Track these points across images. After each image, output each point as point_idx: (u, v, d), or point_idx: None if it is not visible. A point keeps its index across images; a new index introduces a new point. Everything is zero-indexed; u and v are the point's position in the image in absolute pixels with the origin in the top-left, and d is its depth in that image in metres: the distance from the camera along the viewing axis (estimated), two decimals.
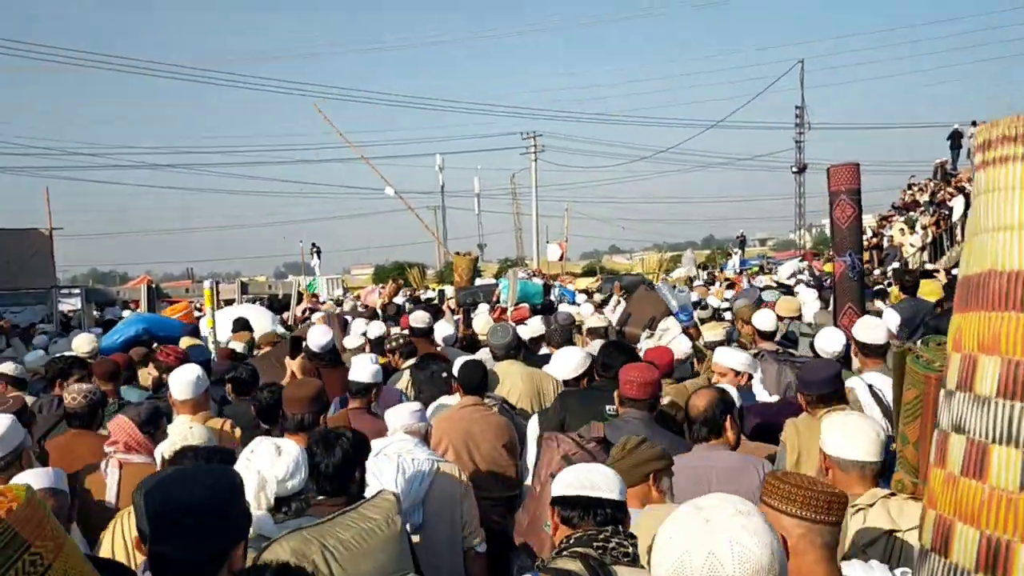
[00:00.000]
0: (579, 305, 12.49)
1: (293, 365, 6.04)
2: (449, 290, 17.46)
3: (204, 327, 10.23)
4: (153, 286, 16.47)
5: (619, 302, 12.18)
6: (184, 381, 4.75)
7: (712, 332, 7.39)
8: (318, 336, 6.26)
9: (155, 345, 7.86)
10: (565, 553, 2.41)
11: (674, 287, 12.89)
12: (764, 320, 6.89)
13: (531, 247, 45.85)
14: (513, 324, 7.06)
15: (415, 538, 3.63)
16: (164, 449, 3.45)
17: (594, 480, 2.54)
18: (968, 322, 1.35)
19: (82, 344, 8.13)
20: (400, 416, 3.96)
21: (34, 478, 3.04)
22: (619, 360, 4.75)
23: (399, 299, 15.96)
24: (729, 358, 5.34)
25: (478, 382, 4.89)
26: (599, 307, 12.25)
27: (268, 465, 2.86)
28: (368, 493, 3.40)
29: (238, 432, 4.68)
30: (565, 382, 5.22)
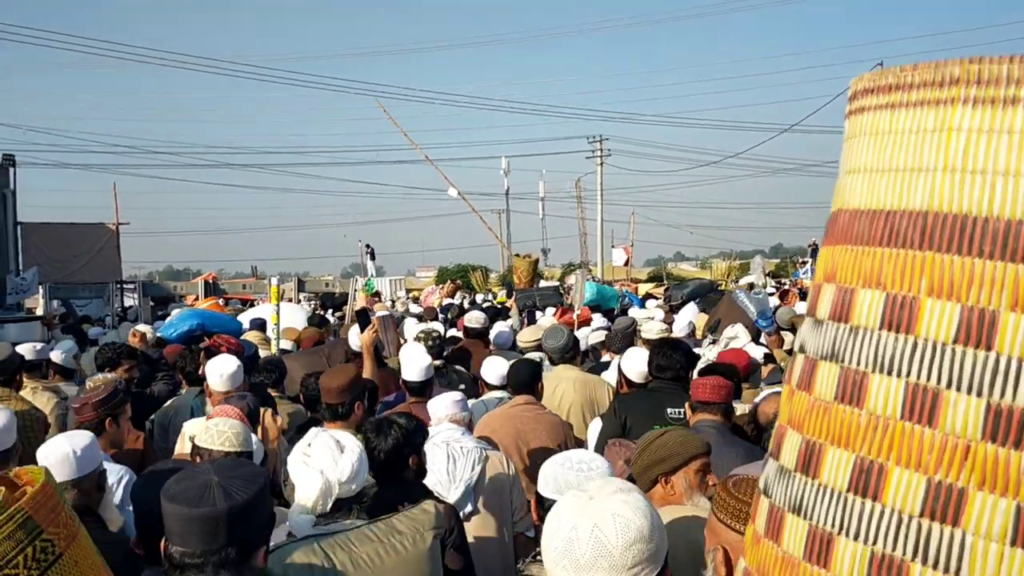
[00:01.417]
0: (647, 310, 11.96)
1: (364, 339, 5.90)
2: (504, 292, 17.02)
3: (269, 322, 10.28)
4: (210, 282, 16.40)
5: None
6: (223, 372, 4.71)
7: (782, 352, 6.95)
8: (357, 337, 6.11)
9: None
10: (538, 558, 2.37)
11: (751, 289, 12.25)
12: None
13: (595, 252, 45.17)
14: (569, 327, 6.90)
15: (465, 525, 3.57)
16: (200, 439, 3.29)
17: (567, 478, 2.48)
18: (821, 256, 1.48)
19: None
20: (444, 406, 4.00)
21: (58, 466, 2.90)
22: (675, 360, 4.57)
23: (457, 300, 15.64)
24: None
25: (527, 380, 4.74)
26: (670, 313, 11.65)
27: (331, 465, 2.70)
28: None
29: (280, 420, 4.58)
30: (631, 383, 4.97)
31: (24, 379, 5.56)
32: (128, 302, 19.79)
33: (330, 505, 2.67)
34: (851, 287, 1.41)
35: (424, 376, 4.86)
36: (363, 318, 6.50)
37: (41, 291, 16.64)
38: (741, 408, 4.53)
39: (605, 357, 7.08)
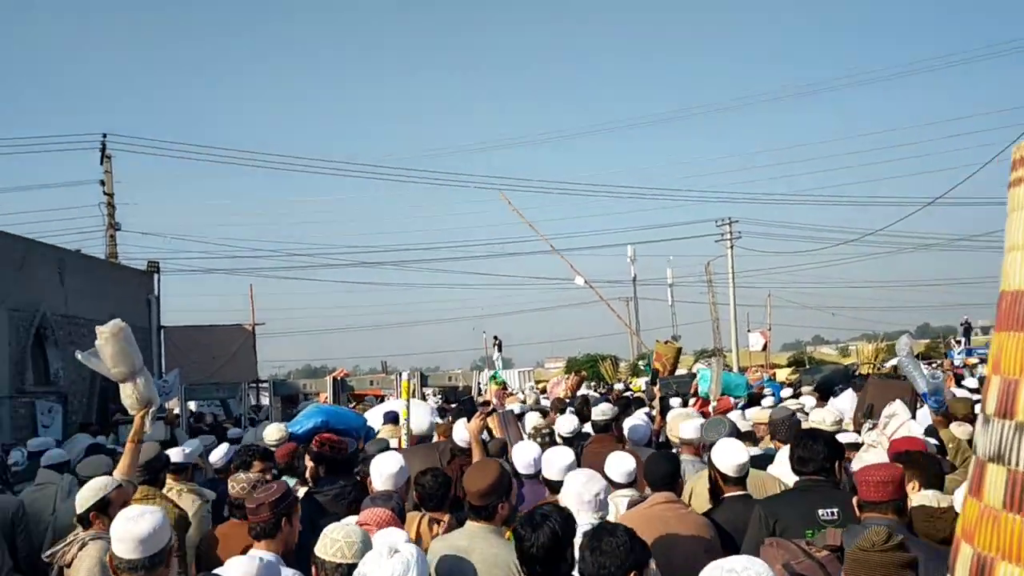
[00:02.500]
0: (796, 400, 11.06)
1: (472, 427, 5.72)
2: (639, 381, 16.30)
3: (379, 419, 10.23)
4: (339, 379, 16.40)
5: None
6: (385, 471, 4.57)
7: (959, 430, 6.35)
8: (464, 432, 5.85)
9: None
10: None
11: (894, 371, 11.23)
12: None
13: (728, 337, 43.67)
14: (729, 419, 6.37)
15: None
16: (317, 547, 3.14)
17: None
18: (991, 344, 1.39)
19: (272, 433, 8.23)
20: (586, 494, 3.79)
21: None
22: (816, 451, 4.20)
23: (584, 391, 15.07)
24: None
25: (667, 475, 4.42)
26: (821, 400, 10.71)
27: (373, 566, 2.73)
28: None
29: (436, 529, 4.46)
30: (726, 478, 4.60)
31: (169, 480, 5.65)
32: (263, 401, 20.18)
33: None
34: (1015, 378, 1.25)
35: (565, 476, 4.49)
36: (470, 406, 6.25)
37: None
38: (943, 500, 4.01)
39: (753, 450, 6.36)
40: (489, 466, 4.12)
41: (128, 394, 4.74)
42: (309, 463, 6.08)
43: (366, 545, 3.09)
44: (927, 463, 4.38)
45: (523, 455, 5.18)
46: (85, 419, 18.10)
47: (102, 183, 26.49)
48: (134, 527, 3.13)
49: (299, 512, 4.19)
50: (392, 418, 9.47)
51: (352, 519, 4.25)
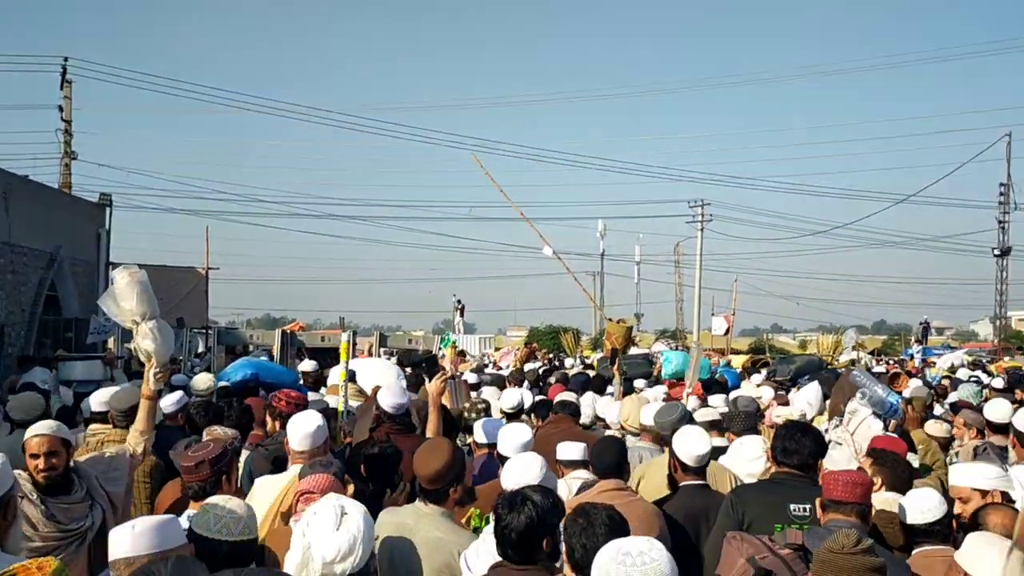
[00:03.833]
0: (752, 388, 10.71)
1: (432, 388, 5.45)
2: (595, 357, 15.90)
3: (336, 378, 9.79)
4: (290, 333, 15.85)
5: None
6: (303, 431, 4.42)
7: (936, 428, 6.59)
8: (391, 396, 5.40)
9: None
10: None
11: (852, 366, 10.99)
12: (997, 411, 6.20)
13: (691, 319, 43.63)
14: (683, 403, 6.20)
15: None
16: (196, 522, 2.89)
17: None
18: None
19: (200, 382, 8.33)
20: (526, 472, 3.62)
21: (135, 540, 2.69)
22: (803, 445, 4.08)
23: (536, 365, 14.66)
24: (973, 476, 3.99)
25: (612, 463, 4.32)
26: (781, 392, 10.36)
27: (319, 539, 2.61)
28: None
29: (351, 488, 4.07)
30: (686, 468, 4.48)
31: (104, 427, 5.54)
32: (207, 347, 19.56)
33: None
34: None
35: (582, 456, 4.55)
36: (432, 366, 6.01)
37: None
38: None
39: (716, 440, 5.96)
40: (440, 447, 3.87)
41: (134, 342, 4.51)
42: (268, 419, 5.94)
43: (253, 520, 2.96)
44: (896, 464, 4.35)
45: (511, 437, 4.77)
46: (23, 353, 17.35)
47: (60, 109, 25.44)
48: None
49: (238, 471, 4.10)
50: (351, 377, 9.20)
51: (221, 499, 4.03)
